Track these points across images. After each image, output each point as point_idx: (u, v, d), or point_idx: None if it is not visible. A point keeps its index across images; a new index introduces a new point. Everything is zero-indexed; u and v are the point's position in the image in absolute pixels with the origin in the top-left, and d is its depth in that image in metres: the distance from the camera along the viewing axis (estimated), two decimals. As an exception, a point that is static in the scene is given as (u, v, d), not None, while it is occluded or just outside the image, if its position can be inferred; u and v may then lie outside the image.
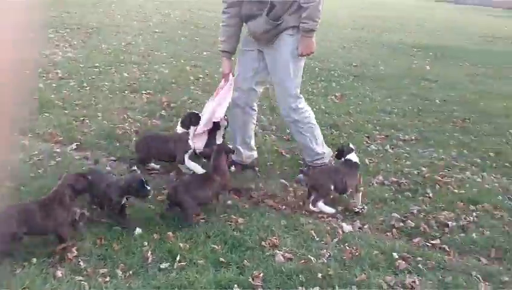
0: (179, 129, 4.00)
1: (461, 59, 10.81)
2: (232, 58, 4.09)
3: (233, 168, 4.10)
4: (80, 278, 2.61)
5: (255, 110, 4.21)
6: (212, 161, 3.54)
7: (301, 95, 3.97)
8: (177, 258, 2.83)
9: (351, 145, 3.84)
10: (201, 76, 7.40)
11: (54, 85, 6.18)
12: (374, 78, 8.34)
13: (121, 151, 4.33)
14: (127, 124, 5.05)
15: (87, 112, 5.29)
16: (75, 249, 2.82)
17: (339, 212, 3.58)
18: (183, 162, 3.92)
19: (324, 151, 4.11)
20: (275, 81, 3.96)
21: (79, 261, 2.73)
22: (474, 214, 3.63)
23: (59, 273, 2.61)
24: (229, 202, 3.59)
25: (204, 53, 9.28)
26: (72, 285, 2.55)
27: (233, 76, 4.03)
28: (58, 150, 4.27)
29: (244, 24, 3.93)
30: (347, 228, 3.33)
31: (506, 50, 12.81)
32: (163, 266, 2.77)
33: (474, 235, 3.32)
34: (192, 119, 3.97)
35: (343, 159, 3.77)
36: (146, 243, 2.95)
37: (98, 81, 6.57)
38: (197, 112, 4.06)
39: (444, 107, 6.74)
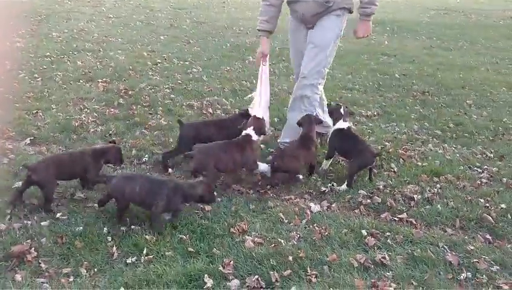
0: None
1: (417, 33, 10.98)
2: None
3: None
4: (42, 280, 2.49)
5: None
6: (304, 130, 3.73)
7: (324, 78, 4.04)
8: (144, 252, 2.74)
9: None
10: (159, 61, 7.19)
11: (2, 78, 5.84)
12: (334, 55, 8.33)
13: (79, 144, 4.14)
14: (83, 114, 4.84)
15: (40, 105, 5.04)
16: (34, 249, 2.68)
17: (306, 192, 3.56)
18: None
19: None
20: (309, 54, 3.92)
21: (39, 263, 2.60)
22: (438, 185, 3.69)
23: (18, 277, 2.48)
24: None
25: (162, 37, 9.03)
26: (33, 288, 2.42)
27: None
28: (10, 146, 4.04)
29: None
30: (315, 208, 3.31)
31: (459, 22, 13.10)
32: (129, 260, 2.67)
33: (439, 206, 3.38)
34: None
35: None
36: (110, 239, 2.84)
37: (50, 72, 6.27)
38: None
39: (404, 81, 6.83)
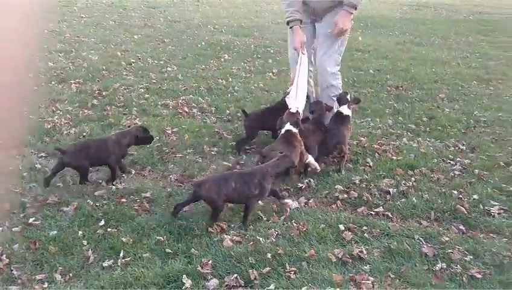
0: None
1: (391, 28, 11.13)
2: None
3: None
4: (14, 288, 2.43)
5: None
6: (315, 114, 4.03)
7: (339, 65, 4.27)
8: (121, 254, 2.70)
9: None
10: (133, 61, 7.10)
11: (-30, 80, 5.67)
12: (309, 52, 8.37)
13: (51, 147, 4.05)
14: (56, 116, 4.74)
15: (11, 107, 4.90)
16: (5, 256, 2.61)
17: (284, 189, 3.57)
18: None
19: None
20: (322, 47, 4.15)
21: (11, 270, 2.54)
22: (412, 179, 3.75)
23: (-10, 286, 2.41)
24: (169, 189, 3.48)
25: (136, 36, 8.91)
26: (6, 296, 2.36)
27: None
28: (-21, 151, 3.93)
29: None
30: (293, 204, 3.32)
31: (430, 18, 13.33)
32: (106, 264, 2.63)
33: (414, 199, 3.43)
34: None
35: None
36: (86, 242, 2.79)
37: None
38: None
39: (378, 76, 6.91)
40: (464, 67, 7.64)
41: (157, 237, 2.87)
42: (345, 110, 4.01)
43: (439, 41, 9.90)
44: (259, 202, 3.23)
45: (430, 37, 10.29)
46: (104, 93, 5.53)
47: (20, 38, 1.82)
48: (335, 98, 4.16)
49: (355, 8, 3.96)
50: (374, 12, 13.44)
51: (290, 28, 4.14)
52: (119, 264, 2.63)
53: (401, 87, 6.37)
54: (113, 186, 3.47)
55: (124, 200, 3.29)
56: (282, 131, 3.71)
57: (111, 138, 3.65)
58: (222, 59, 7.57)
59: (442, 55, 8.52)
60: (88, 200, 3.25)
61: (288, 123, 3.69)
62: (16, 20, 1.78)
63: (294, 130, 3.68)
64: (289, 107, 3.88)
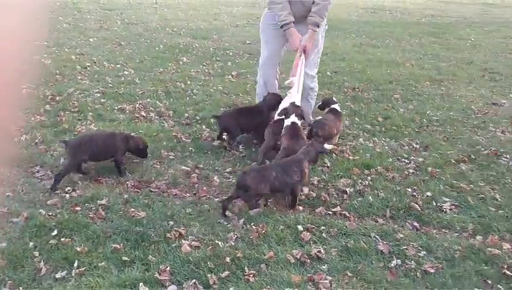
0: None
1: (347, 31, 11.35)
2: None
3: None
4: (-40, 305, 2.31)
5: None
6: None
7: None
8: (75, 264, 2.62)
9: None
10: (88, 64, 6.92)
11: None
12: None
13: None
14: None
15: (-44, 114, 4.67)
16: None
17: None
18: None
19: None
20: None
21: (-44, 286, 2.42)
22: (369, 178, 3.83)
23: None
24: (126, 195, 3.41)
25: (91, 39, 8.70)
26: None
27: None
28: None
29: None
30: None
31: (385, 20, 13.70)
32: (59, 275, 2.55)
33: (370, 198, 3.51)
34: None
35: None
36: (37, 254, 2.69)
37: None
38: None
39: (335, 78, 7.03)
40: (417, 68, 7.89)
41: (114, 245, 2.80)
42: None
43: (394, 43, 10.19)
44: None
45: (386, 39, 10.57)
46: (57, 98, 5.36)
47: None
48: (312, 100, 4.60)
49: (316, 26, 4.29)
50: (331, 16, 13.60)
51: (284, 30, 4.33)
52: (73, 274, 2.55)
53: (358, 88, 6.51)
54: (67, 195, 3.37)
55: (78, 208, 3.20)
56: (288, 123, 3.83)
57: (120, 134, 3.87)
58: (181, 62, 7.50)
59: (396, 56, 8.76)
60: (40, 210, 3.13)
61: (294, 115, 3.84)
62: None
63: (299, 122, 3.85)
64: (291, 100, 4.05)
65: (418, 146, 4.59)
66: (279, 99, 4.35)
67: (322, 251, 2.84)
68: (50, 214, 3.10)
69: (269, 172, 3.26)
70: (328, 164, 4.04)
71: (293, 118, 3.83)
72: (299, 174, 3.30)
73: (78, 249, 2.74)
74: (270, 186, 3.23)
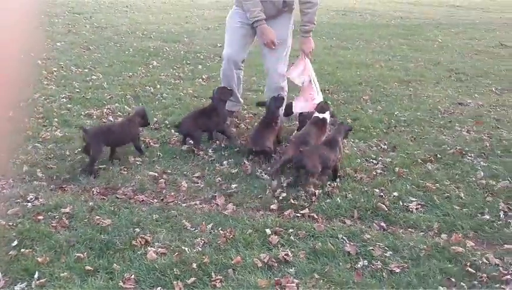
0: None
1: (318, 32, 11.41)
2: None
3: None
4: None
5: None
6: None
7: None
8: (36, 276, 2.55)
9: None
10: (55, 69, 6.78)
11: None
12: (239, 57, 8.41)
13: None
14: (-35, 131, 4.39)
15: None
16: None
17: (212, 197, 3.54)
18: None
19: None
20: (271, 50, 4.56)
21: None
22: (337, 179, 3.85)
23: None
24: (91, 203, 3.34)
25: (59, 44, 8.53)
26: None
27: None
28: None
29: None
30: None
31: (356, 22, 13.88)
32: (18, 287, 2.47)
33: (338, 199, 3.52)
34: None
35: None
36: (-5, 266, 2.60)
37: None
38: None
39: (306, 80, 7.04)
40: (386, 70, 8.01)
41: (77, 254, 2.73)
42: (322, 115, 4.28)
43: (364, 45, 10.33)
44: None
45: (356, 41, 10.70)
46: (21, 104, 5.20)
47: None
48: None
49: (310, 32, 4.64)
50: (299, 18, 13.75)
51: (256, 26, 4.42)
52: (33, 286, 2.47)
53: (328, 90, 6.56)
54: (29, 203, 3.27)
55: (40, 217, 3.11)
56: (320, 116, 4.15)
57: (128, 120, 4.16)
58: (150, 66, 7.42)
59: (366, 58, 8.88)
60: (0, 220, 3.03)
61: (327, 112, 4.20)
62: None
63: (327, 119, 4.20)
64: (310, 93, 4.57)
65: (386, 147, 4.65)
66: (229, 92, 4.57)
67: (289, 253, 2.84)
68: (10, 224, 3.00)
69: (320, 151, 3.66)
70: (297, 166, 4.04)
71: (325, 115, 4.18)
72: (339, 152, 3.74)
73: (40, 259, 2.66)
74: (322, 163, 3.59)
